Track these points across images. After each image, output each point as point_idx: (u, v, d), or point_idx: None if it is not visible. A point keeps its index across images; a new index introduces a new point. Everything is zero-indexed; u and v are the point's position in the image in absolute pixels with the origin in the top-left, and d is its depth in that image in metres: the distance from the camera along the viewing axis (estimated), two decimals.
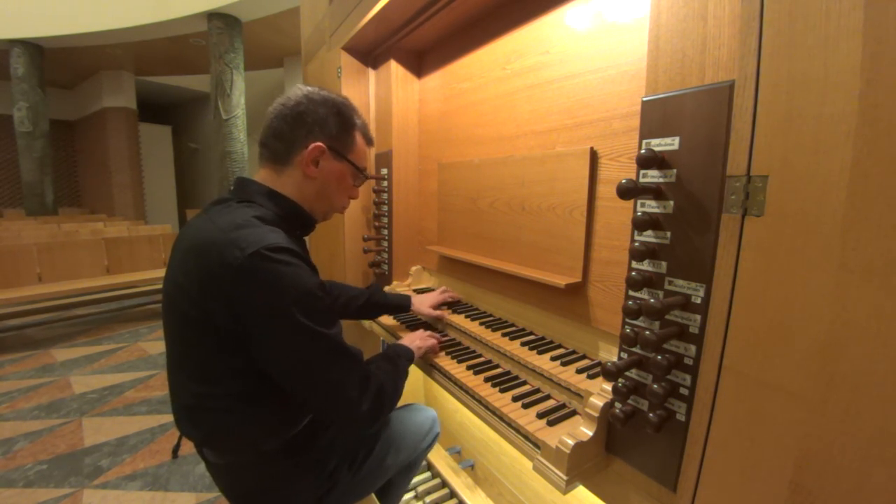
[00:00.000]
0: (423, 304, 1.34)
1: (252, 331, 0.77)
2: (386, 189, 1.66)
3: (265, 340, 0.78)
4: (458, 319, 1.26)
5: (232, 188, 0.97)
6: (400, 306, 1.36)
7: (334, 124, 0.94)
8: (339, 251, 1.86)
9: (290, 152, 0.92)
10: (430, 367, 1.13)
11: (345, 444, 1.07)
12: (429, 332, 1.19)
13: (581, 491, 0.78)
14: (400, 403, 1.48)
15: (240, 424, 0.88)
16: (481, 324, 1.21)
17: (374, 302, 1.33)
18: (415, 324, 1.38)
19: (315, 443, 1.01)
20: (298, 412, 0.97)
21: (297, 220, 0.96)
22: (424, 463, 1.75)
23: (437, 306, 1.35)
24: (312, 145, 0.91)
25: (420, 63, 1.62)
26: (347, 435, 1.07)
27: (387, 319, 1.43)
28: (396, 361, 1.01)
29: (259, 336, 0.78)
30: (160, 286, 4.88)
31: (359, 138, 1.00)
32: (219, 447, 0.93)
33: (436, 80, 1.54)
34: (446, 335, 1.29)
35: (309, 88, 0.95)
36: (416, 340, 1.12)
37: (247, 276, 0.74)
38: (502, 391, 0.95)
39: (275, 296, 0.75)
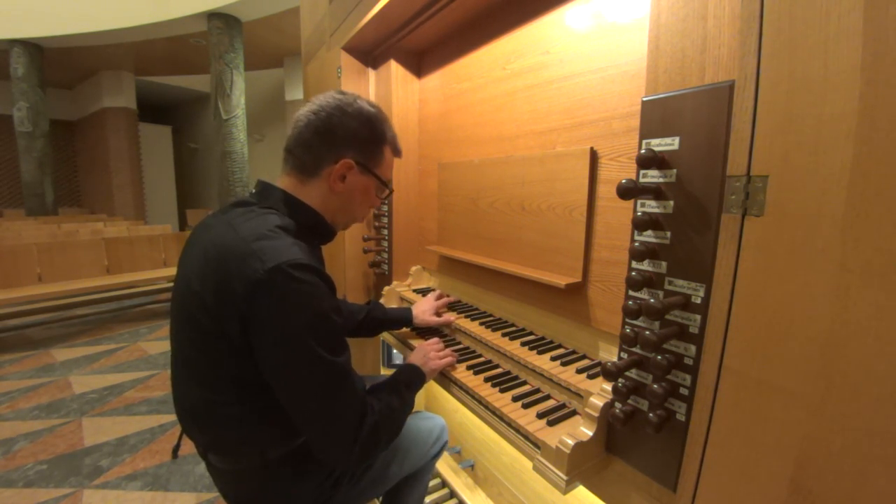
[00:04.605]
0: (425, 314, 1.30)
1: (260, 346, 0.76)
2: None
3: (271, 358, 0.76)
4: (458, 319, 1.26)
5: (254, 191, 0.94)
6: (401, 320, 1.32)
7: (365, 139, 0.91)
8: (339, 251, 1.86)
9: (318, 166, 0.90)
10: None
11: None
12: (445, 349, 1.14)
13: (581, 491, 0.78)
14: None
15: (246, 432, 0.86)
16: (481, 324, 1.21)
17: (374, 317, 1.29)
18: (423, 329, 1.35)
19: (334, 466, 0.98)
20: None
21: (318, 230, 0.94)
22: None
23: (439, 312, 1.32)
24: (342, 162, 0.89)
25: (420, 63, 1.62)
26: (336, 469, 1.01)
27: None
28: (403, 394, 0.95)
29: (266, 353, 0.76)
30: (160, 286, 4.95)
31: (388, 152, 0.98)
32: (224, 453, 0.91)
33: (436, 80, 1.54)
34: (446, 335, 1.29)
35: (342, 99, 0.91)
36: (429, 361, 1.07)
37: (264, 292, 0.72)
38: (502, 391, 0.95)
39: (289, 316, 0.74)
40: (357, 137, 0.90)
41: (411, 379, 1.01)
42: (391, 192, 1.03)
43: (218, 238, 0.81)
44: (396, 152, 1.01)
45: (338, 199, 0.94)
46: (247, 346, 0.77)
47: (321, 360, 0.76)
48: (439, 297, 1.37)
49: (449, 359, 1.10)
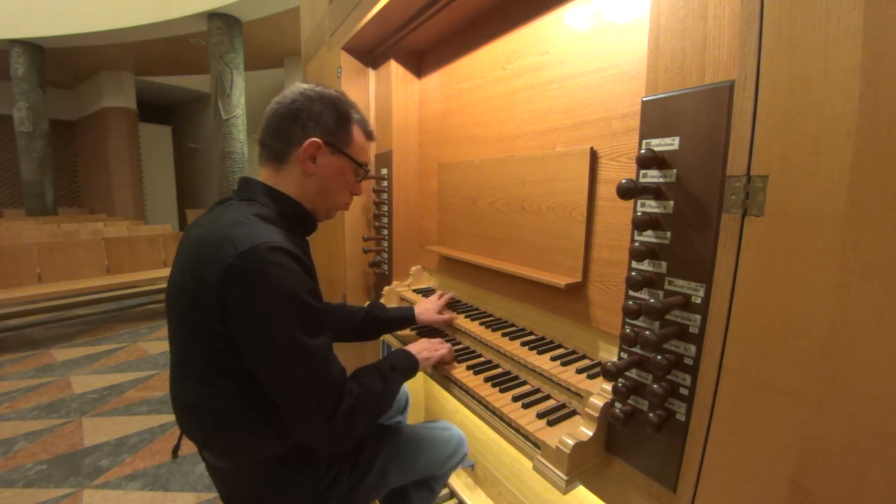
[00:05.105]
0: (428, 313, 1.29)
1: (237, 330, 0.76)
2: (386, 189, 1.66)
3: (248, 342, 0.77)
4: (458, 319, 1.26)
5: (236, 187, 0.96)
6: (403, 319, 1.30)
7: (330, 119, 0.93)
8: (339, 251, 1.86)
9: (287, 150, 0.92)
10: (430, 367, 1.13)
11: (345, 453, 1.03)
12: (440, 340, 1.14)
13: (581, 491, 0.78)
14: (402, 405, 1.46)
15: (239, 428, 0.87)
16: (481, 324, 1.21)
17: (375, 316, 1.27)
18: (424, 331, 1.35)
19: (316, 452, 0.98)
20: None
21: (298, 219, 0.95)
22: None
23: (442, 310, 1.31)
24: (308, 141, 0.90)
25: (420, 63, 1.62)
26: (321, 453, 0.99)
27: None
28: (388, 377, 0.94)
29: (243, 336, 0.77)
30: (160, 286, 4.95)
31: (357, 133, 0.98)
32: (218, 450, 0.92)
33: (436, 80, 1.54)
34: (446, 335, 1.29)
35: (305, 85, 0.94)
36: (423, 351, 1.07)
37: (236, 274, 0.73)
38: (502, 391, 0.95)
39: (262, 297, 0.74)
40: (321, 118, 0.92)
41: (400, 363, 1.01)
42: (367, 173, 1.03)
43: (199, 231, 0.84)
44: (367, 134, 1.02)
45: (312, 182, 0.95)
46: (227, 334, 0.77)
47: (294, 340, 0.76)
48: (440, 297, 1.37)
49: (443, 350, 1.09)
